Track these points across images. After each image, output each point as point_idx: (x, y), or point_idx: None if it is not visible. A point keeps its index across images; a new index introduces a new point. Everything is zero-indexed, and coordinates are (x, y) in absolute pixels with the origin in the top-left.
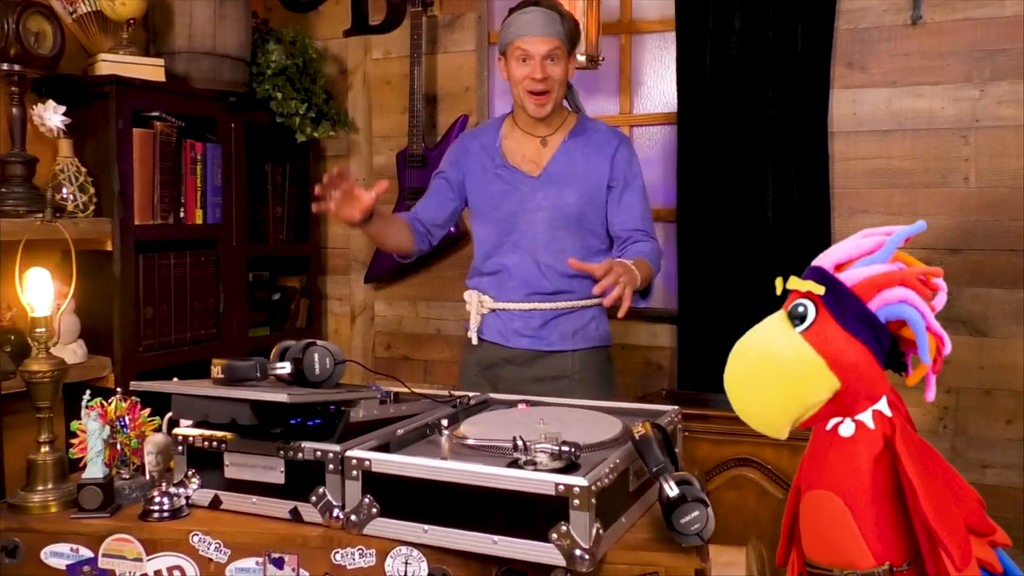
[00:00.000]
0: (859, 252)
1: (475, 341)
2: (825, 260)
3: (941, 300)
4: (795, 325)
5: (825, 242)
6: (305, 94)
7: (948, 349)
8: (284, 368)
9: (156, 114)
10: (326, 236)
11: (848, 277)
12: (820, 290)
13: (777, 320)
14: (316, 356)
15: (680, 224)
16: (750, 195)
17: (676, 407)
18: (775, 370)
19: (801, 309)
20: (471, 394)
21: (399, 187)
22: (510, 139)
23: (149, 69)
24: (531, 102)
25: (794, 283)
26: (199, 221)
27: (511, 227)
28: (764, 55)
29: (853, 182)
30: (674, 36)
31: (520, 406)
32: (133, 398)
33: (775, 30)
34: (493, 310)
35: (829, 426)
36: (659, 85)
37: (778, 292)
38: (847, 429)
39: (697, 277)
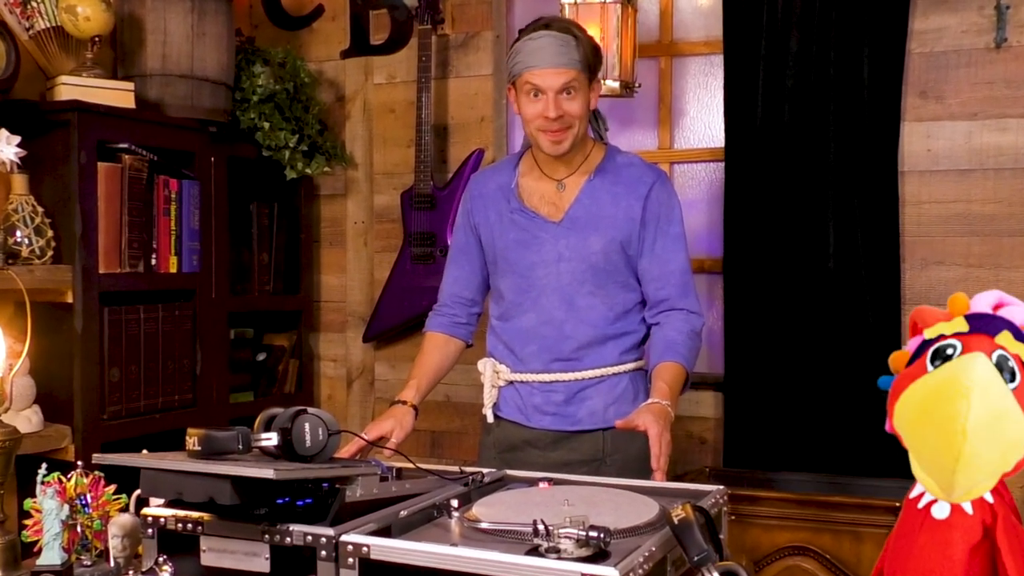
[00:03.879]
0: None
1: (491, 419)
2: (1018, 317)
3: None
4: (1005, 379)
5: (894, 297)
6: (296, 124)
7: None
8: (270, 439)
9: (125, 146)
10: (319, 288)
11: None
12: None
13: (991, 368)
14: (307, 426)
15: (727, 276)
16: (808, 243)
17: (722, 487)
18: (1011, 423)
19: (1011, 364)
20: (485, 471)
21: (404, 232)
22: (528, 178)
23: (117, 94)
24: (546, 139)
25: (1005, 339)
26: (173, 269)
27: (529, 282)
28: (825, 82)
29: (927, 229)
30: (721, 60)
31: (542, 485)
32: (96, 473)
33: (838, 54)
34: (511, 382)
35: (922, 504)
36: (704, 116)
37: (950, 330)
38: (941, 511)
39: (746, 337)
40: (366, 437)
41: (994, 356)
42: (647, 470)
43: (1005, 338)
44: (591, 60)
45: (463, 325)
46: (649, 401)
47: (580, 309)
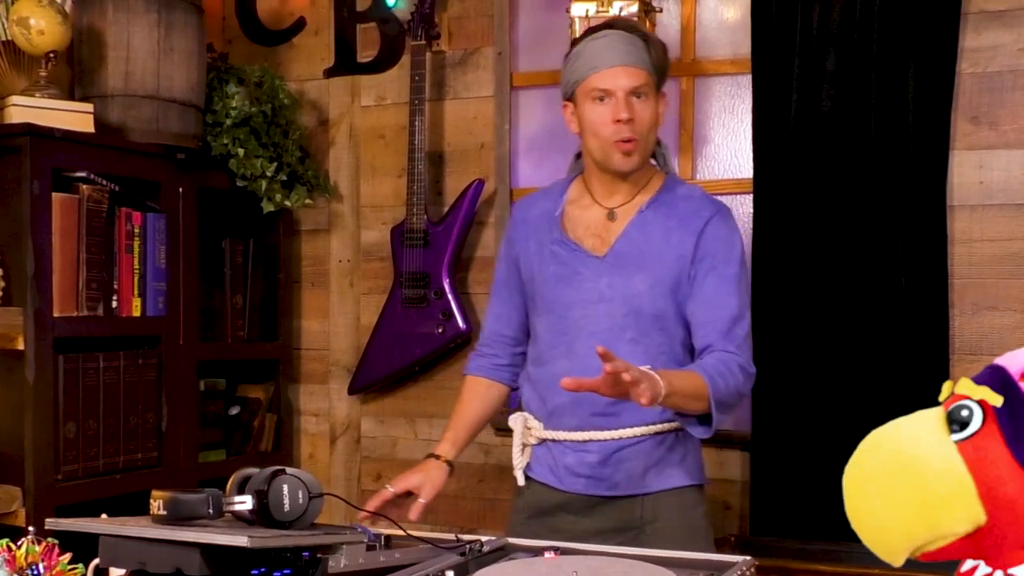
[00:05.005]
0: None
1: (521, 481)
2: (1012, 363)
3: None
4: (952, 431)
5: (942, 346)
6: (274, 150)
7: None
8: (244, 503)
9: (83, 175)
10: (299, 334)
11: None
12: (997, 400)
13: (932, 418)
14: (285, 488)
15: (756, 322)
16: (846, 286)
17: (748, 558)
18: (912, 479)
19: (965, 413)
20: (484, 539)
21: (395, 272)
22: (576, 205)
23: (74, 117)
24: (618, 152)
25: (964, 387)
26: (136, 313)
27: (565, 323)
28: (865, 106)
29: (978, 270)
30: (750, 80)
31: (548, 554)
32: (50, 540)
33: (880, 74)
34: (543, 440)
35: None
36: (730, 143)
37: (941, 397)
38: None
39: (777, 390)
40: (392, 488)
41: (953, 407)
42: (692, 540)
43: (964, 385)
44: (662, 64)
45: (506, 367)
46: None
47: (621, 357)
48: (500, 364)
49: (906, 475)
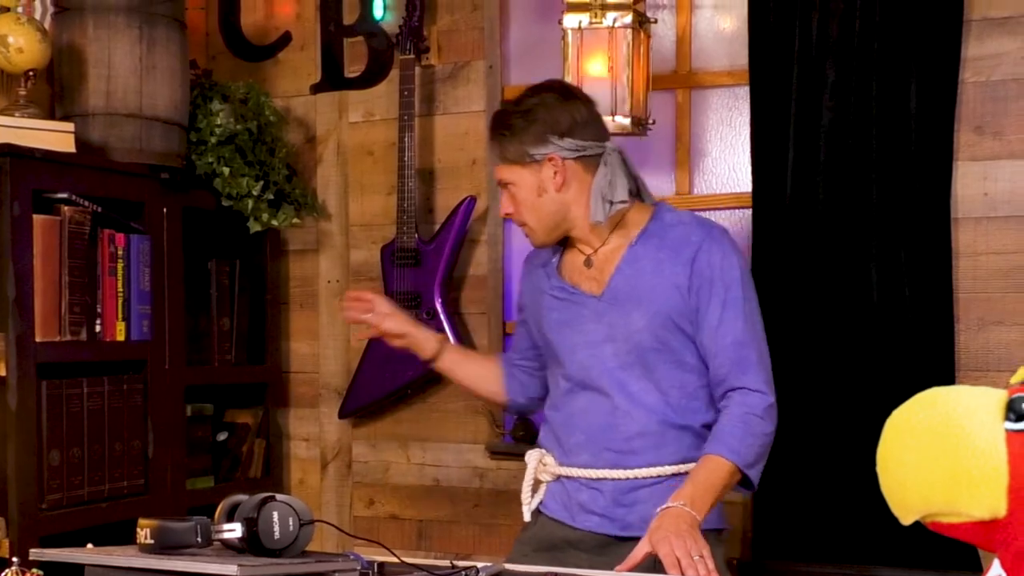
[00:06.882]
0: None
1: (527, 516)
2: None
3: None
4: (1007, 418)
5: (947, 363)
6: (260, 169)
7: None
8: (233, 531)
9: (64, 195)
10: (288, 357)
11: None
12: None
13: (993, 398)
14: (275, 515)
15: None
16: (848, 301)
17: None
18: (951, 448)
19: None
20: (480, 565)
21: (385, 292)
22: (570, 249)
23: (55, 136)
24: None
25: None
26: (120, 337)
27: (574, 368)
28: (866, 117)
29: (984, 284)
30: (747, 92)
31: None
32: (35, 570)
33: (881, 85)
34: (557, 476)
35: None
36: (728, 156)
37: (1013, 380)
38: None
39: (779, 408)
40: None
41: (1017, 397)
42: None
43: None
44: (529, 141)
45: (513, 375)
46: (662, 508)
47: (632, 395)
48: (510, 371)
49: (947, 442)
